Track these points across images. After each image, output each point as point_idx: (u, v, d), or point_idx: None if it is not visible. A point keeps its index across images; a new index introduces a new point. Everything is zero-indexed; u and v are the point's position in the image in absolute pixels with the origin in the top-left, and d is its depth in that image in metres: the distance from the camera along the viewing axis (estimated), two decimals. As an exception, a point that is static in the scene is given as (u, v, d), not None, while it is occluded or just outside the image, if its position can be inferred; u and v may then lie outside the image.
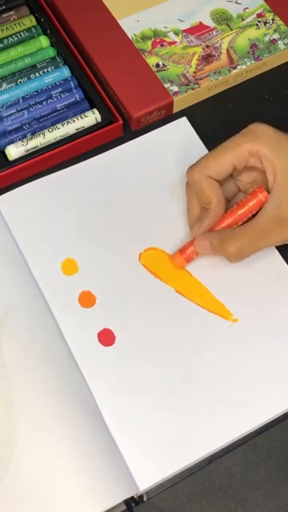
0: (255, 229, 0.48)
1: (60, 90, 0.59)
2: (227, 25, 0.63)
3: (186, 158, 0.57)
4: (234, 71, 0.61)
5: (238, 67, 0.61)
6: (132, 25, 0.63)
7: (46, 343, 0.49)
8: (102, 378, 0.48)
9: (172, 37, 0.62)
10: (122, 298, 0.51)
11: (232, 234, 0.48)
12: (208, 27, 0.63)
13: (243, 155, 0.48)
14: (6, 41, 0.62)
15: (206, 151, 0.57)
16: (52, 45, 0.63)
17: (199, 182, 0.49)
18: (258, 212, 0.49)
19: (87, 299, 0.51)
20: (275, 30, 0.63)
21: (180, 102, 0.60)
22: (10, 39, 0.62)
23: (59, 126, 0.57)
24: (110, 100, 0.60)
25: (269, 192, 0.48)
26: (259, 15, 0.63)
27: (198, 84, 0.60)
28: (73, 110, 0.58)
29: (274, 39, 0.62)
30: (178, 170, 0.56)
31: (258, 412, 0.47)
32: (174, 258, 0.52)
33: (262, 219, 0.48)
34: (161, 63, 0.61)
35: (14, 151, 0.56)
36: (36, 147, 0.57)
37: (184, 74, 0.60)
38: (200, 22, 0.63)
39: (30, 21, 0.63)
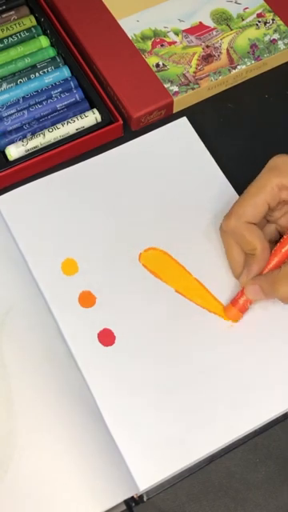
0: None
1: (60, 89, 0.59)
2: (227, 25, 0.63)
3: (186, 158, 0.57)
4: (234, 71, 0.61)
5: (238, 67, 0.61)
6: (132, 25, 0.63)
7: (46, 343, 0.49)
8: (102, 377, 0.48)
9: (172, 37, 0.62)
10: (122, 297, 0.51)
11: (281, 275, 0.47)
12: (208, 27, 0.63)
13: (274, 192, 0.47)
14: (5, 41, 0.62)
15: (206, 151, 0.57)
16: (52, 45, 0.63)
17: (239, 230, 0.48)
18: None
19: (87, 299, 0.51)
20: (275, 30, 0.63)
21: (180, 102, 0.60)
22: (10, 39, 0.62)
23: (59, 125, 0.57)
24: (110, 100, 0.60)
25: None
26: (259, 15, 0.63)
27: (197, 84, 0.60)
28: (73, 110, 0.58)
29: (273, 39, 0.62)
30: (178, 170, 0.56)
31: (258, 412, 0.47)
32: (227, 310, 0.50)
33: None
34: (161, 63, 0.61)
35: (14, 151, 0.56)
36: (36, 147, 0.57)
37: (184, 74, 0.60)
38: (200, 22, 0.63)
39: (29, 21, 0.63)
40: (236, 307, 0.50)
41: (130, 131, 0.60)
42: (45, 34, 0.63)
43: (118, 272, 0.52)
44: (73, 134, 0.58)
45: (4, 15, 0.63)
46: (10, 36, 0.62)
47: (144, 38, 0.62)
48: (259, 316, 0.50)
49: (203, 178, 0.56)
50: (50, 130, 0.57)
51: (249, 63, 0.61)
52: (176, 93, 0.59)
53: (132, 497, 0.45)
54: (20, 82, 0.60)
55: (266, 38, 0.62)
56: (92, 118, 0.58)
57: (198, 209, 0.55)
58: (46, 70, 0.61)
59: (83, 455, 0.45)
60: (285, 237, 0.48)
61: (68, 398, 0.47)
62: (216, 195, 0.55)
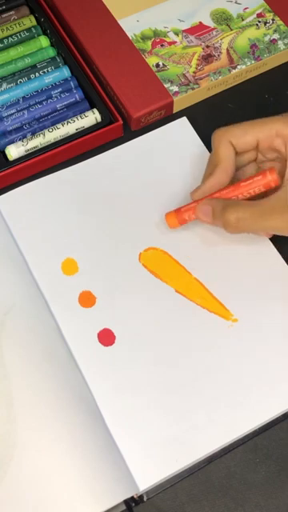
0: (261, 206, 0.47)
1: (60, 90, 0.59)
2: (227, 25, 0.63)
3: (186, 158, 0.57)
4: (233, 71, 0.61)
5: (238, 67, 0.61)
6: (132, 25, 0.63)
7: (46, 343, 0.49)
8: (102, 377, 0.48)
9: (172, 37, 0.62)
10: (122, 297, 0.51)
11: (236, 204, 0.47)
12: (208, 27, 0.63)
13: (271, 133, 0.47)
14: (5, 41, 0.62)
15: (206, 151, 0.57)
16: (52, 45, 0.63)
17: (217, 142, 0.48)
18: (265, 194, 0.48)
19: (87, 299, 0.51)
20: (275, 30, 0.63)
21: (180, 102, 0.60)
22: (10, 39, 0.62)
23: (59, 126, 0.57)
24: (110, 100, 0.60)
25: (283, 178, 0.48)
26: (259, 15, 0.63)
27: (197, 84, 0.60)
28: (73, 110, 0.58)
29: (273, 39, 0.62)
30: (178, 170, 0.56)
31: (258, 412, 0.47)
32: (168, 216, 0.52)
33: (271, 200, 0.47)
34: (161, 63, 0.61)
35: (14, 151, 0.56)
36: (36, 147, 0.57)
37: (184, 74, 0.60)
38: (200, 22, 0.63)
39: (29, 21, 0.63)
40: (177, 217, 0.51)
41: (130, 131, 0.60)
42: (45, 34, 0.63)
43: (118, 272, 0.52)
44: (73, 134, 0.58)
45: (4, 15, 0.63)
46: (10, 36, 0.62)
47: (144, 38, 0.62)
48: (259, 316, 0.50)
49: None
50: (50, 129, 0.57)
51: (249, 63, 0.61)
52: (176, 93, 0.59)
53: (132, 497, 0.45)
54: (20, 82, 0.60)
55: (266, 38, 0.62)
56: (92, 117, 0.58)
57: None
58: (46, 70, 0.61)
59: (83, 455, 0.45)
60: (252, 175, 0.49)
61: (68, 397, 0.47)
62: (216, 195, 0.55)
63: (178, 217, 0.51)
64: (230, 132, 0.48)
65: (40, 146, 0.57)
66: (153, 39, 0.62)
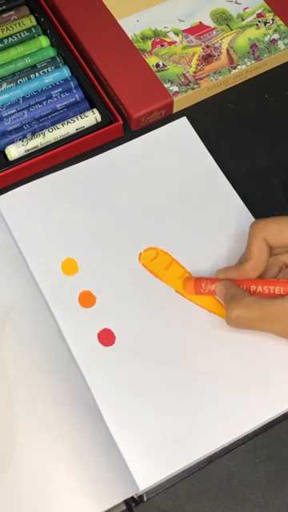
0: (264, 309, 0.46)
1: (60, 90, 0.59)
2: (227, 25, 0.63)
3: (186, 158, 0.57)
4: (233, 71, 0.61)
5: (238, 67, 0.61)
6: (132, 25, 0.63)
7: (46, 343, 0.49)
8: (102, 378, 0.48)
9: (172, 37, 0.62)
10: (122, 297, 0.51)
11: (242, 300, 0.47)
12: (208, 27, 0.63)
13: None
14: (5, 41, 0.62)
15: (206, 151, 0.57)
16: (52, 45, 0.63)
17: (252, 238, 0.48)
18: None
19: (87, 299, 0.51)
20: (275, 30, 0.63)
21: (180, 102, 0.60)
22: (10, 39, 0.62)
23: (59, 125, 0.57)
24: (110, 100, 0.60)
25: None
26: (259, 15, 0.63)
27: (198, 84, 0.60)
28: (73, 110, 0.58)
29: (273, 39, 0.62)
30: (178, 170, 0.56)
31: (257, 412, 0.47)
32: (187, 282, 0.51)
33: (276, 305, 0.46)
34: (161, 63, 0.61)
35: (14, 151, 0.56)
36: (36, 147, 0.57)
37: (184, 74, 0.60)
38: (200, 22, 0.63)
39: (29, 21, 0.63)
40: (195, 286, 0.50)
41: (130, 131, 0.60)
42: (45, 34, 0.63)
43: (118, 272, 0.52)
44: (73, 134, 0.58)
45: (4, 15, 0.63)
46: (10, 36, 0.62)
47: (144, 38, 0.62)
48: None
49: (203, 178, 0.56)
50: (50, 129, 0.57)
51: (249, 63, 0.61)
52: (176, 93, 0.59)
53: (132, 497, 0.45)
54: (20, 82, 0.60)
55: (266, 38, 0.62)
56: (92, 117, 0.58)
57: (197, 208, 0.55)
58: (46, 70, 0.61)
59: (83, 455, 0.45)
60: (278, 279, 0.48)
61: (68, 397, 0.47)
62: (216, 195, 0.55)
63: (196, 287, 0.50)
64: (266, 229, 0.48)
65: (40, 146, 0.57)
66: (153, 39, 0.62)
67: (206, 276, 0.51)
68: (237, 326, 0.47)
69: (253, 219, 0.54)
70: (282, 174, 0.58)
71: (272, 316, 0.46)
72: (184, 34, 0.63)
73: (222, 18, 0.63)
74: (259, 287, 0.48)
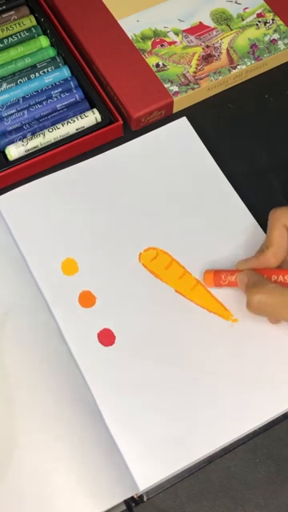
0: (285, 295, 0.46)
1: (60, 89, 0.59)
2: (227, 25, 0.63)
3: (186, 158, 0.57)
4: (233, 71, 0.61)
5: (238, 67, 0.61)
6: (132, 25, 0.63)
7: (46, 343, 0.49)
8: (102, 378, 0.48)
9: (172, 37, 0.62)
10: (122, 297, 0.51)
11: (265, 287, 0.47)
12: (208, 27, 0.63)
13: None
14: (5, 41, 0.62)
15: (206, 151, 0.57)
16: (52, 45, 0.63)
17: (272, 225, 0.48)
18: None
19: (87, 299, 0.51)
20: (275, 30, 0.63)
21: (180, 102, 0.60)
22: (10, 39, 0.62)
23: (59, 125, 0.57)
24: (110, 100, 0.60)
25: None
26: (259, 15, 0.63)
27: (198, 84, 0.60)
28: (73, 110, 0.58)
29: (273, 39, 0.62)
30: (178, 170, 0.56)
31: (257, 412, 0.47)
32: (206, 274, 0.51)
33: None
34: (161, 63, 0.61)
35: (14, 151, 0.56)
36: (36, 147, 0.57)
37: (184, 74, 0.60)
38: (200, 22, 0.63)
39: (29, 21, 0.63)
40: (215, 278, 0.50)
41: (130, 131, 0.60)
42: (45, 34, 0.63)
43: (117, 272, 0.52)
44: (73, 134, 0.58)
45: (4, 15, 0.63)
46: (10, 36, 0.62)
47: (144, 38, 0.62)
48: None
49: (203, 178, 0.56)
50: (50, 129, 0.57)
51: (249, 63, 0.61)
52: (176, 93, 0.59)
53: (132, 497, 0.45)
54: (20, 82, 0.60)
55: (266, 38, 0.62)
56: (92, 118, 0.58)
57: (197, 208, 0.55)
58: (46, 70, 0.61)
59: (83, 455, 0.45)
60: None
61: (68, 397, 0.47)
62: (216, 195, 0.55)
63: (216, 278, 0.50)
64: (286, 216, 0.48)
65: (40, 146, 0.57)
66: (153, 39, 0.62)
67: (222, 268, 0.51)
68: (257, 312, 0.47)
69: (253, 219, 0.54)
70: (282, 174, 0.58)
71: None
72: (184, 33, 0.63)
73: (222, 18, 0.63)
74: (280, 277, 0.48)
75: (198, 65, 0.61)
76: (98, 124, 0.58)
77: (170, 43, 0.62)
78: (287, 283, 0.48)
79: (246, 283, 0.48)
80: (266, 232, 0.50)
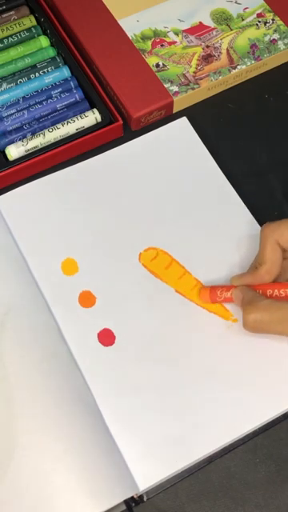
0: (282, 310, 0.45)
1: (60, 90, 0.59)
2: (227, 25, 0.63)
3: (186, 158, 0.57)
4: (233, 71, 0.61)
5: (238, 67, 0.61)
6: (132, 25, 0.63)
7: (46, 343, 0.49)
8: (102, 378, 0.48)
9: (172, 37, 0.62)
10: (122, 297, 0.51)
11: (259, 304, 0.46)
12: (208, 27, 0.63)
13: None
14: (5, 41, 0.62)
15: (206, 151, 0.57)
16: (52, 45, 0.63)
17: (264, 241, 0.48)
18: None
19: (87, 299, 0.51)
20: (275, 30, 0.63)
21: (180, 102, 0.60)
22: (10, 39, 0.62)
23: (59, 126, 0.57)
24: (110, 100, 0.60)
25: None
26: (259, 15, 0.63)
27: (198, 84, 0.60)
28: (73, 110, 0.58)
29: (273, 39, 0.62)
30: (178, 170, 0.56)
31: (258, 412, 0.47)
32: (202, 291, 0.51)
33: None
34: (161, 63, 0.61)
35: (14, 151, 0.56)
36: (36, 147, 0.57)
37: (184, 74, 0.60)
38: (200, 22, 0.63)
39: (29, 21, 0.63)
40: (211, 295, 0.50)
41: (130, 131, 0.60)
42: (45, 34, 0.63)
43: (118, 272, 0.52)
44: (73, 134, 0.58)
45: (4, 15, 0.63)
46: (10, 36, 0.62)
47: (144, 38, 0.62)
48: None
49: (203, 178, 0.56)
50: (50, 129, 0.57)
51: (249, 63, 0.61)
52: (176, 93, 0.59)
53: (132, 497, 0.45)
54: (20, 82, 0.60)
55: (266, 38, 0.62)
56: (92, 117, 0.58)
57: (197, 208, 0.55)
58: (46, 70, 0.61)
59: (83, 455, 0.45)
60: None
61: (68, 397, 0.47)
62: (216, 195, 0.55)
63: (212, 295, 0.50)
64: (278, 232, 0.47)
65: (40, 146, 0.57)
66: (153, 39, 0.62)
67: (220, 284, 0.51)
68: (254, 330, 0.47)
69: (252, 219, 0.54)
70: (282, 174, 0.58)
71: None
72: (184, 34, 0.63)
73: (222, 18, 0.63)
74: (275, 291, 0.47)
75: (197, 65, 0.61)
76: (98, 124, 0.58)
77: (170, 43, 0.62)
78: (283, 297, 0.47)
79: (242, 299, 0.48)
80: None
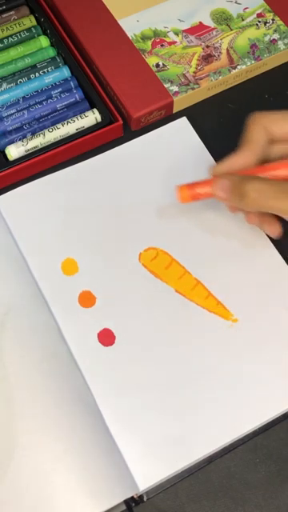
0: (280, 184, 0.43)
1: (60, 89, 0.59)
2: (227, 25, 0.63)
3: (186, 158, 0.57)
4: (233, 71, 0.61)
5: (238, 67, 0.61)
6: (132, 25, 0.63)
7: (46, 343, 0.49)
8: (102, 378, 0.48)
9: (172, 37, 0.62)
10: (122, 297, 0.51)
11: (256, 177, 0.43)
12: (208, 27, 0.63)
13: None
14: (5, 41, 0.62)
15: (206, 151, 0.57)
16: (52, 45, 0.63)
17: (251, 125, 0.45)
18: None
19: (87, 299, 0.51)
20: (275, 30, 0.63)
21: (180, 102, 0.60)
22: (10, 39, 0.62)
23: (59, 126, 0.57)
24: (110, 100, 0.60)
25: None
26: (259, 15, 0.63)
27: (198, 84, 0.60)
28: (73, 110, 0.58)
29: (273, 39, 0.62)
30: (178, 170, 0.56)
31: (257, 412, 0.47)
32: (181, 189, 0.48)
33: None
34: (161, 63, 0.61)
35: (14, 151, 0.56)
36: (36, 147, 0.57)
37: (184, 74, 0.60)
38: (200, 22, 0.63)
39: (29, 21, 0.63)
40: (190, 191, 0.47)
41: (130, 131, 0.60)
42: (45, 34, 0.63)
43: (118, 272, 0.52)
44: (73, 134, 0.58)
45: (4, 15, 0.63)
46: (10, 36, 0.62)
47: (144, 38, 0.62)
48: (259, 316, 0.50)
49: (203, 178, 0.56)
50: (50, 129, 0.57)
51: (249, 63, 0.61)
52: (176, 93, 0.59)
53: (132, 497, 0.45)
54: (20, 82, 0.60)
55: (266, 38, 0.62)
56: (92, 117, 0.58)
57: (197, 208, 0.55)
58: (46, 70, 0.61)
59: (83, 455, 0.45)
60: (279, 161, 0.45)
61: (68, 397, 0.47)
62: (216, 195, 0.55)
63: (192, 190, 0.47)
64: (267, 117, 0.45)
65: (40, 146, 0.57)
66: (153, 39, 0.62)
67: (194, 181, 0.47)
68: (256, 204, 0.43)
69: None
70: (282, 173, 0.58)
71: None
72: (184, 34, 0.63)
73: (222, 18, 0.63)
74: (263, 175, 0.45)
75: (197, 65, 0.61)
76: (98, 124, 0.58)
77: (170, 43, 0.62)
78: (266, 171, 0.45)
79: (230, 186, 0.44)
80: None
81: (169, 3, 0.64)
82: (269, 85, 0.62)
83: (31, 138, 0.57)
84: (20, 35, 0.62)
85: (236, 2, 0.64)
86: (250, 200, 0.43)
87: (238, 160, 0.45)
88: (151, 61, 0.61)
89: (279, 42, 0.62)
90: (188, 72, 0.60)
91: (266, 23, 0.63)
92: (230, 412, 0.47)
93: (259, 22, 0.63)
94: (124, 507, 0.45)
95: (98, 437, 0.46)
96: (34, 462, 0.44)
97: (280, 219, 0.48)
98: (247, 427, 0.47)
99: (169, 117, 0.60)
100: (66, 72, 0.60)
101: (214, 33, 0.63)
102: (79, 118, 0.58)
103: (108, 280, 0.52)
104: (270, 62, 0.62)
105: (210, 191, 0.47)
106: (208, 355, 0.49)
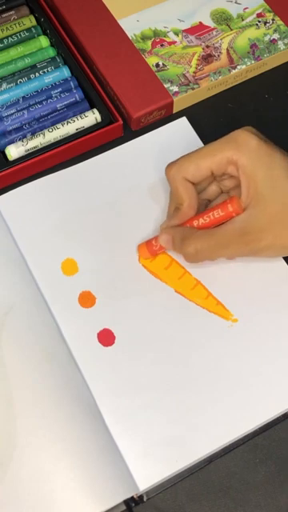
0: (217, 236, 0.47)
1: (60, 89, 0.59)
2: (227, 25, 0.63)
3: (186, 158, 0.57)
4: (233, 71, 0.61)
5: (238, 67, 0.61)
6: (132, 25, 0.63)
7: (46, 343, 0.49)
8: (102, 378, 0.48)
9: (172, 37, 0.62)
10: (122, 298, 0.51)
11: (194, 235, 0.48)
12: (208, 27, 0.63)
13: (222, 162, 0.47)
14: (5, 41, 0.62)
15: (206, 151, 0.57)
16: (52, 45, 0.63)
17: (175, 182, 0.49)
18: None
19: (87, 299, 0.51)
20: (275, 30, 0.63)
21: (180, 102, 0.60)
22: (10, 39, 0.62)
23: (59, 126, 0.57)
24: (110, 100, 0.60)
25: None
26: (259, 15, 0.63)
27: (197, 84, 0.60)
28: (73, 110, 0.58)
29: (273, 39, 0.62)
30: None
31: (258, 412, 0.47)
32: (140, 248, 0.52)
33: (227, 229, 0.47)
34: (161, 63, 0.61)
35: (14, 151, 0.56)
36: (36, 147, 0.57)
37: (184, 74, 0.60)
38: (200, 22, 0.63)
39: (29, 21, 0.63)
40: (148, 249, 0.52)
41: (130, 131, 0.60)
42: (45, 34, 0.63)
43: (117, 272, 0.52)
44: (73, 134, 0.58)
45: (4, 15, 0.63)
46: (10, 36, 0.62)
47: (144, 37, 0.62)
48: (259, 316, 0.50)
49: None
50: (50, 130, 0.57)
51: (249, 63, 0.61)
52: (176, 93, 0.59)
53: (132, 497, 0.45)
54: (20, 81, 0.60)
55: (266, 38, 0.62)
56: (92, 118, 0.58)
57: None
58: (45, 70, 0.61)
59: (83, 455, 0.45)
60: (213, 206, 0.49)
61: (68, 398, 0.47)
62: (216, 195, 0.55)
63: (149, 248, 0.52)
64: (183, 169, 0.48)
65: (40, 146, 0.57)
66: (153, 39, 0.62)
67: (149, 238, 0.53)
68: (197, 260, 0.49)
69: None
70: (282, 173, 0.58)
71: (227, 240, 0.47)
72: (184, 33, 0.63)
73: (222, 18, 0.63)
74: (201, 220, 0.49)
75: (197, 65, 0.61)
76: (97, 124, 0.58)
77: (170, 43, 0.62)
78: (209, 223, 0.49)
79: (172, 240, 0.49)
80: None
81: (169, 3, 0.64)
82: (269, 85, 0.62)
83: (31, 138, 0.57)
84: (20, 35, 0.62)
85: (236, 2, 0.64)
86: (193, 259, 0.49)
87: (182, 217, 0.49)
88: (151, 61, 0.61)
89: (279, 42, 0.62)
90: (188, 72, 0.60)
91: (265, 23, 0.63)
92: (230, 412, 0.47)
93: (259, 21, 0.63)
94: (124, 507, 0.45)
95: (97, 437, 0.46)
96: (34, 462, 0.44)
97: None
98: (247, 427, 0.47)
99: (169, 117, 0.60)
100: (65, 72, 0.60)
101: (214, 33, 0.63)
102: (79, 118, 0.58)
103: (108, 280, 0.52)
104: (269, 61, 0.62)
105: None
106: (208, 355, 0.49)
